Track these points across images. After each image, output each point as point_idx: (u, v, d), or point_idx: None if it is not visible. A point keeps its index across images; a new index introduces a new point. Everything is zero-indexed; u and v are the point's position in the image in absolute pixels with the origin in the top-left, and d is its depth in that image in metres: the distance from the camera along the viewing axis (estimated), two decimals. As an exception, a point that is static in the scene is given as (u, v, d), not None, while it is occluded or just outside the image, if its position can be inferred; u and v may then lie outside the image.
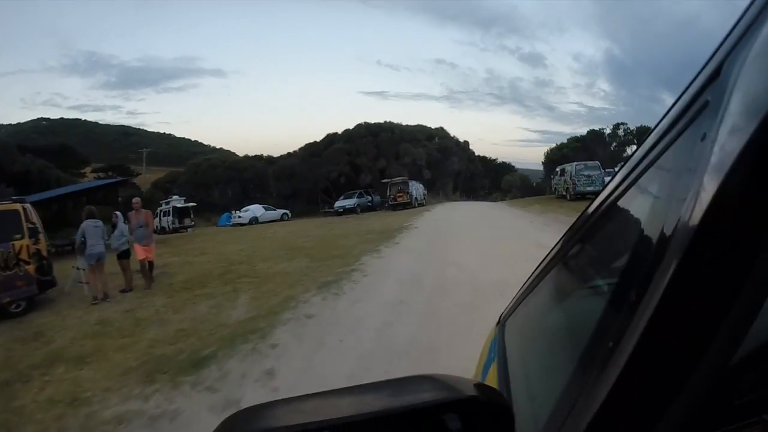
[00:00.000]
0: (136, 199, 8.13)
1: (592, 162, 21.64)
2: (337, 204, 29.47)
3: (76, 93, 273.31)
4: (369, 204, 30.39)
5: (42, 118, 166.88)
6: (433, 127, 40.32)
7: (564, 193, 21.42)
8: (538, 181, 46.18)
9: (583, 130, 49.12)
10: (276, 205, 35.22)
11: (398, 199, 27.15)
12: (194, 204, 31.59)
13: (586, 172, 19.85)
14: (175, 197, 32.51)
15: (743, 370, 0.57)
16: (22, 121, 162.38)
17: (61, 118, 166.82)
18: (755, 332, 0.40)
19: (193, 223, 30.76)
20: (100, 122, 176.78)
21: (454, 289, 5.70)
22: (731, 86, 0.38)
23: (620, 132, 43.10)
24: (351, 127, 35.41)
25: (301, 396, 0.53)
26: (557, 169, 23.68)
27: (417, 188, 28.72)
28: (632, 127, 42.47)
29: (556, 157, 42.53)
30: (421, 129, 37.67)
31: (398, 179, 28.44)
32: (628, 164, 0.68)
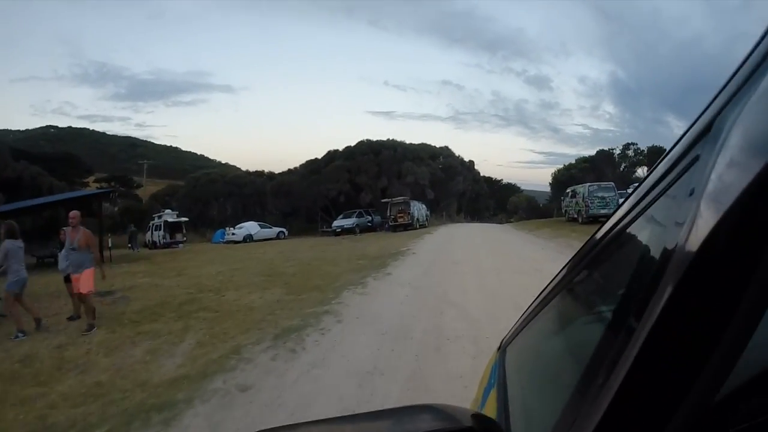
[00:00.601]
0: (73, 213, 6.46)
1: (606, 183, 20.29)
2: (335, 223, 28.19)
3: (85, 103, 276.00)
4: (369, 224, 29.10)
5: (50, 125, 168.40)
6: (437, 146, 39.22)
7: (575, 216, 20.08)
8: (543, 202, 44.93)
9: (587, 152, 47.95)
10: (275, 223, 34.17)
11: (399, 220, 25.83)
12: (186, 219, 30.44)
13: (599, 194, 18.52)
14: (167, 211, 31.44)
15: (736, 399, 0.57)
16: (30, 127, 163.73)
17: (69, 127, 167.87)
18: (746, 362, 0.41)
19: (184, 238, 29.70)
20: (108, 132, 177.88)
21: (450, 348, 4.31)
22: (722, 142, 0.38)
23: (630, 152, 41.88)
24: (353, 144, 34.33)
25: (304, 423, 0.55)
26: (568, 191, 22.34)
27: (419, 209, 27.42)
28: (643, 147, 41.35)
29: (564, 177, 41.28)
30: (424, 148, 36.51)
31: (399, 199, 27.19)
32: (623, 207, 0.71)
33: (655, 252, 0.47)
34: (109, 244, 22.52)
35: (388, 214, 26.56)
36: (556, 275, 1.05)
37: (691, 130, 0.48)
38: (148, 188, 59.19)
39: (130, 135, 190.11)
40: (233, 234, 29.10)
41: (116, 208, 50.01)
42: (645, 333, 0.38)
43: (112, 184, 63.74)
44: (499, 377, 1.13)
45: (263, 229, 29.96)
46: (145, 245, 29.69)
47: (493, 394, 1.07)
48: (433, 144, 39.34)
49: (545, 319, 1.09)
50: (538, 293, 1.17)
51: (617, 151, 41.61)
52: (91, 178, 59.35)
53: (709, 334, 0.35)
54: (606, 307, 0.69)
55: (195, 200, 45.40)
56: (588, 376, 0.52)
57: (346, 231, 27.08)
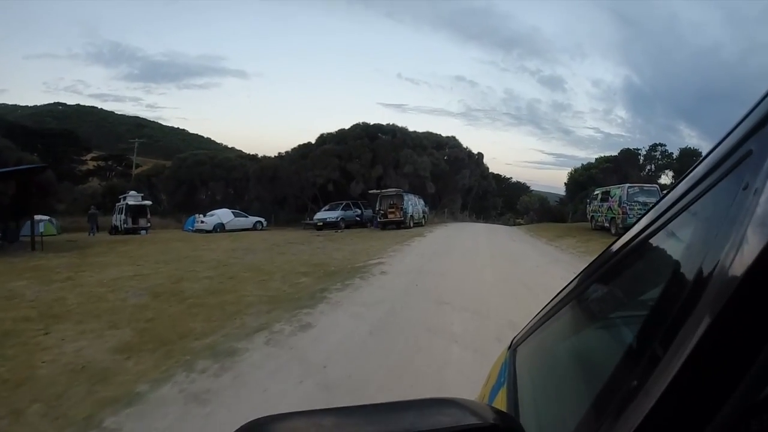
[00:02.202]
0: None
1: (649, 185, 16.18)
2: (317, 216, 24.41)
3: (98, 82, 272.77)
4: (357, 218, 25.27)
5: (58, 102, 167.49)
6: (444, 135, 35.07)
7: (607, 224, 16.11)
8: (553, 203, 40.90)
9: (597, 156, 43.92)
10: (261, 211, 30.68)
11: (389, 216, 21.92)
12: (149, 203, 27.00)
13: (641, 198, 14.45)
14: (132, 193, 27.98)
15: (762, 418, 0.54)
16: (39, 104, 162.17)
17: (78, 105, 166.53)
18: None
19: (148, 224, 26.37)
20: (117, 112, 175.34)
21: None
22: None
23: (657, 154, 37.56)
24: (347, 127, 30.24)
25: (321, 410, 0.53)
26: (596, 192, 18.24)
27: (414, 204, 23.38)
28: (671, 150, 37.09)
29: (583, 178, 37.11)
30: (428, 136, 32.29)
31: (390, 191, 23.08)
32: (659, 205, 0.68)
33: (701, 252, 0.44)
34: (40, 229, 19.18)
35: (378, 209, 22.65)
36: (575, 277, 1.03)
37: (743, 124, 0.47)
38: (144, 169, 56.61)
39: (138, 115, 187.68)
40: (202, 222, 25.53)
41: (97, 187, 47.37)
42: (692, 341, 0.36)
43: (109, 162, 61.87)
44: (509, 376, 1.10)
45: (237, 218, 26.37)
46: (111, 230, 26.51)
47: (502, 393, 1.05)
48: (438, 132, 35.22)
49: (562, 322, 1.05)
50: (557, 292, 1.12)
51: (643, 152, 37.35)
52: (89, 156, 57.18)
53: (755, 349, 0.33)
54: (634, 312, 0.65)
55: (179, 182, 42.11)
56: (615, 383, 0.51)
57: (328, 225, 23.33)
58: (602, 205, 16.85)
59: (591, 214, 18.45)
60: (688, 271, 0.45)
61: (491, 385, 1.24)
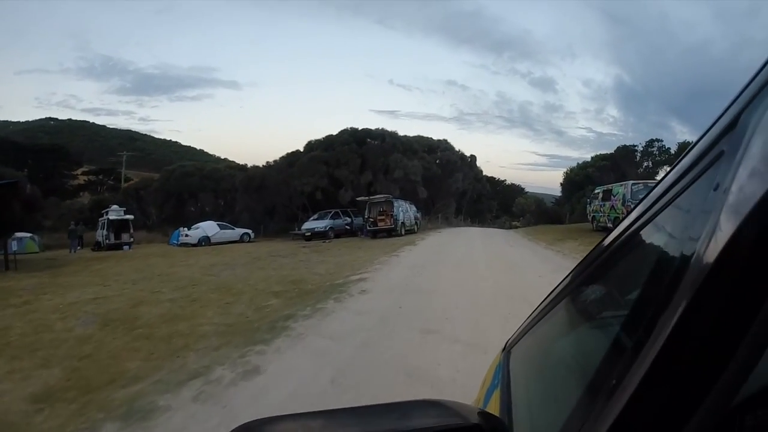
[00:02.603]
0: None
1: (653, 182, 15.28)
2: (305, 226, 23.40)
3: (90, 96, 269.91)
4: (347, 227, 24.31)
5: (50, 117, 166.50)
6: (435, 138, 34.24)
7: (610, 225, 15.09)
8: (549, 205, 40.14)
9: (590, 155, 43.30)
10: (250, 223, 29.73)
11: (379, 224, 20.87)
12: (131, 217, 26.03)
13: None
14: (114, 207, 27.02)
15: (744, 413, 0.54)
16: (31, 119, 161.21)
17: (69, 119, 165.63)
18: (759, 376, 0.41)
19: (131, 239, 25.38)
20: (108, 126, 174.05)
21: None
22: (748, 137, 0.38)
23: (654, 150, 36.82)
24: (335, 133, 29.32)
25: (308, 413, 0.54)
26: (597, 191, 17.34)
27: (405, 210, 22.36)
28: (669, 145, 36.39)
29: (579, 177, 36.39)
30: (419, 140, 31.38)
31: (379, 197, 21.93)
32: (644, 202, 0.68)
33: (676, 249, 0.46)
34: (12, 248, 18.23)
35: (366, 216, 21.60)
36: (567, 276, 1.03)
37: (715, 126, 0.48)
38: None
39: (130, 128, 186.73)
40: (187, 236, 24.57)
41: (86, 202, 46.41)
42: (665, 332, 0.37)
43: (99, 176, 61.18)
44: (503, 378, 1.11)
45: (224, 231, 25.39)
46: (94, 246, 25.61)
47: (496, 395, 1.05)
48: (429, 136, 34.35)
49: (552, 322, 1.07)
50: (546, 295, 1.13)
51: (639, 148, 36.62)
52: (80, 171, 57.67)
53: (729, 340, 0.34)
54: (621, 309, 0.67)
55: (168, 195, 41.23)
56: (599, 380, 0.52)
57: (317, 235, 22.37)
58: (604, 205, 15.99)
59: (592, 214, 17.57)
60: (665, 268, 0.47)
61: (486, 387, 1.25)
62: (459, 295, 6.84)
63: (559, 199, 39.61)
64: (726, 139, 0.44)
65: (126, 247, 24.51)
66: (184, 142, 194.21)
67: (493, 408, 0.96)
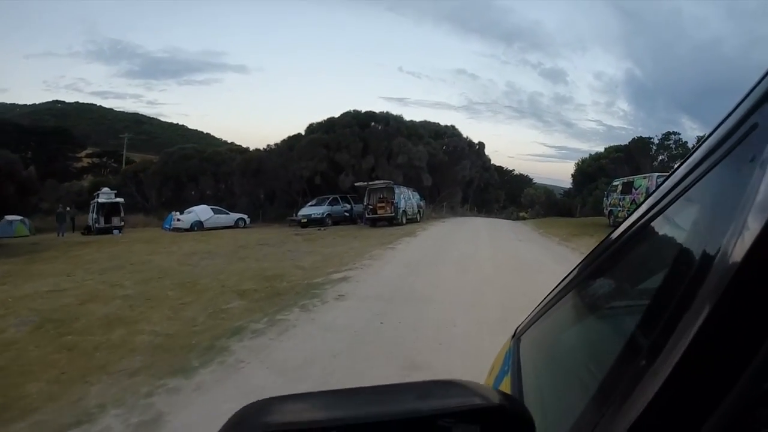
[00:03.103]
0: None
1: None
2: (302, 212, 22.16)
3: (99, 79, 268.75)
4: (346, 214, 23.02)
5: (57, 100, 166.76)
6: (442, 124, 32.64)
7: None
8: (558, 196, 38.60)
9: (600, 148, 41.65)
10: (249, 207, 28.53)
11: (378, 211, 19.50)
12: (122, 200, 25.02)
13: (670, 190, 11.97)
14: (105, 190, 26.08)
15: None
16: (37, 102, 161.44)
17: (77, 102, 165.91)
18: None
19: (122, 222, 24.47)
20: (116, 109, 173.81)
21: None
22: None
23: (671, 143, 35.07)
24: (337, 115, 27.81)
25: (321, 392, 0.52)
26: (616, 184, 15.91)
27: (407, 197, 20.91)
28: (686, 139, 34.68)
29: (591, 169, 34.77)
30: (425, 125, 29.85)
31: (379, 183, 20.42)
32: (659, 190, 0.66)
33: (701, 239, 0.45)
34: (11, 229, 17.48)
35: (366, 203, 20.19)
36: (576, 266, 1.02)
37: (748, 98, 0.46)
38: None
39: (137, 112, 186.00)
40: (179, 220, 23.46)
41: (86, 184, 45.63)
42: (690, 334, 0.36)
43: (103, 159, 60.64)
44: (513, 364, 1.10)
45: (217, 215, 24.25)
46: (84, 230, 24.71)
47: (506, 381, 1.05)
48: (437, 121, 32.77)
49: (564, 310, 1.05)
50: (559, 281, 1.10)
51: (655, 140, 34.87)
52: (84, 153, 57.05)
53: (757, 341, 0.33)
54: (632, 301, 0.64)
55: (166, 178, 40.13)
56: (614, 378, 0.51)
57: (313, 222, 21.13)
58: (623, 198, 14.62)
59: (609, 208, 16.19)
60: (691, 256, 0.45)
61: (495, 373, 1.25)
62: (459, 306, 5.54)
63: (569, 190, 38.06)
64: (760, 111, 0.43)
65: (116, 232, 23.56)
66: (191, 126, 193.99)
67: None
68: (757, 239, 0.32)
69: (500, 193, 40.72)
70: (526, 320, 1.28)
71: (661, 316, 0.44)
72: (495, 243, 12.92)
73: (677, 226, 0.59)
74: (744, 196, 0.36)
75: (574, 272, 1.03)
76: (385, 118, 26.86)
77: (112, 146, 68.44)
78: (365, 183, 20.61)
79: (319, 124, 27.84)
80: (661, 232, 0.65)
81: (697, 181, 0.54)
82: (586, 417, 0.53)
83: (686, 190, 0.56)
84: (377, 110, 28.48)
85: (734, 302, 0.34)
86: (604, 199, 17.46)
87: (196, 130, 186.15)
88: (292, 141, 28.78)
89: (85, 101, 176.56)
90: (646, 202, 0.70)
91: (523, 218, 33.63)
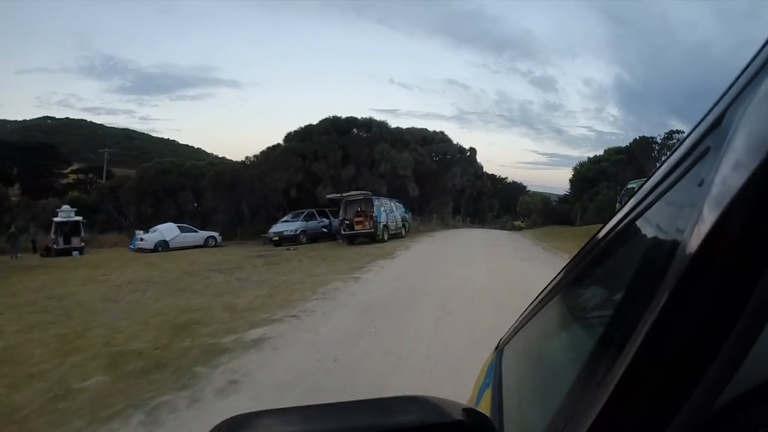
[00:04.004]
0: None
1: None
2: (273, 229, 19.98)
3: (90, 95, 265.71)
4: (324, 230, 20.92)
5: (47, 116, 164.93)
6: (431, 130, 30.74)
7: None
8: (553, 203, 36.86)
9: (590, 155, 40.08)
10: (224, 224, 26.48)
11: (356, 227, 17.38)
12: (81, 218, 23.08)
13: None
14: (65, 208, 24.05)
15: (737, 408, 0.56)
16: (28, 118, 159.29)
17: (67, 118, 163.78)
18: (742, 376, 0.40)
19: (82, 243, 22.33)
20: (107, 125, 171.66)
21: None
22: (731, 133, 0.39)
23: (674, 143, 33.32)
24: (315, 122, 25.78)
25: (288, 408, 0.54)
26: (630, 186, 14.07)
27: (390, 210, 18.59)
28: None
29: (591, 173, 33.02)
30: (411, 131, 27.84)
31: (355, 194, 18.10)
32: (634, 198, 0.68)
33: (660, 245, 0.47)
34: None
35: (342, 218, 17.97)
36: (558, 274, 1.01)
37: (702, 123, 0.49)
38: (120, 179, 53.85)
39: (128, 127, 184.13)
40: (142, 240, 21.39)
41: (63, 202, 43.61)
42: (645, 330, 0.37)
43: (89, 175, 58.84)
44: (494, 377, 1.11)
45: (185, 234, 22.19)
46: (43, 252, 22.64)
47: (488, 394, 1.05)
48: (424, 128, 30.84)
49: (544, 319, 1.06)
50: (538, 293, 1.11)
51: (658, 140, 33.15)
52: (69, 169, 55.29)
53: (712, 338, 0.33)
54: (608, 306, 0.67)
55: (143, 194, 38.00)
56: (584, 377, 0.52)
57: (287, 239, 19.02)
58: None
59: (622, 215, 14.22)
60: (650, 264, 0.48)
61: (479, 386, 1.24)
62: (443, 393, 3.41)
63: (566, 197, 36.18)
64: (712, 136, 0.44)
65: (75, 253, 21.57)
66: (182, 141, 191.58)
67: (485, 406, 0.95)
68: (695, 261, 0.34)
69: (494, 202, 38.77)
70: (510, 330, 1.28)
71: (621, 324, 0.45)
72: (492, 263, 10.78)
73: (647, 234, 0.59)
74: (691, 218, 0.37)
75: (554, 280, 1.03)
76: (367, 124, 24.86)
77: (99, 162, 66.93)
78: (339, 195, 18.35)
79: (296, 132, 25.79)
80: (635, 239, 0.66)
81: (658, 200, 0.56)
82: (552, 426, 0.53)
83: (650, 206, 0.58)
84: (359, 116, 26.60)
85: (685, 306, 0.35)
86: (617, 204, 15.71)
87: (187, 144, 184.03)
88: (270, 151, 26.81)
89: (76, 117, 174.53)
90: (621, 211, 0.71)
91: (520, 228, 31.68)
